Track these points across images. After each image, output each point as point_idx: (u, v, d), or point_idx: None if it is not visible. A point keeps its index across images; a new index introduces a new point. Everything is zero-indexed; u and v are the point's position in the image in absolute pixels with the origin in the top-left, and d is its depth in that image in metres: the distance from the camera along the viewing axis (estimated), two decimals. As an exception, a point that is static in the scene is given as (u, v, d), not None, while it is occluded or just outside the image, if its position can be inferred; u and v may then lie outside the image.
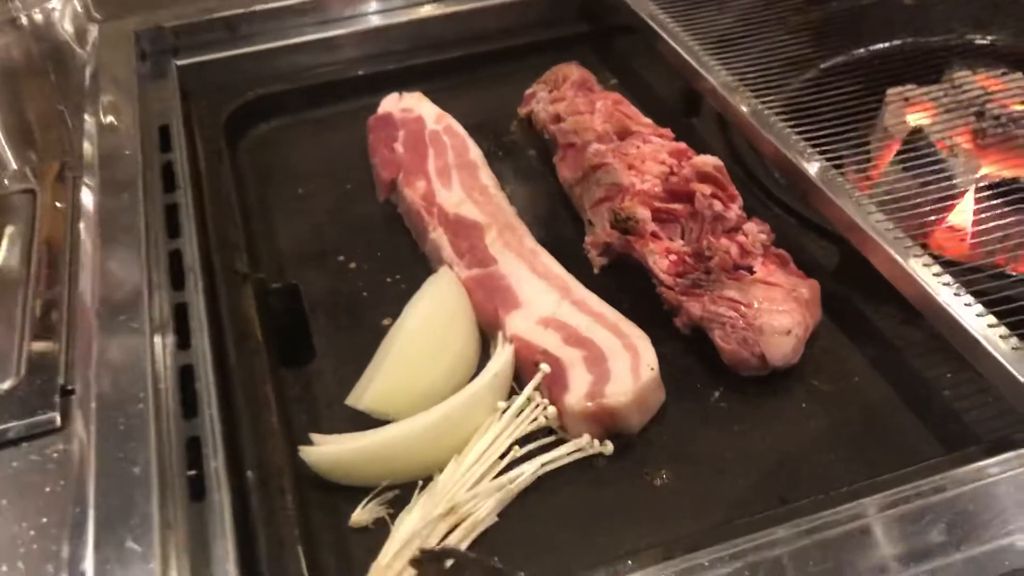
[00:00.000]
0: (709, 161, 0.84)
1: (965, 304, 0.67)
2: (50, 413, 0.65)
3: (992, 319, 0.65)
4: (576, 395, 0.70)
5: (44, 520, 0.59)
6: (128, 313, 0.73)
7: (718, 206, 0.81)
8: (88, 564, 0.55)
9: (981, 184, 0.85)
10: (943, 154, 0.87)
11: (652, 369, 0.71)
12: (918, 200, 0.80)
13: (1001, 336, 0.64)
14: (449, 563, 0.49)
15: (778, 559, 0.52)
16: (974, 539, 0.53)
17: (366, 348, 0.79)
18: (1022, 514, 0.55)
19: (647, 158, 0.87)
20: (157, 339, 0.72)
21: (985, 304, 0.67)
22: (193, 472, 0.64)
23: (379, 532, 0.66)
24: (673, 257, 0.80)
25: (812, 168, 0.81)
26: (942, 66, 1.01)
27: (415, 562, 0.44)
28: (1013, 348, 0.63)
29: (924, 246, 0.77)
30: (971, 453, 0.62)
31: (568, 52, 1.14)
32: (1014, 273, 0.78)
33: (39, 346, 0.71)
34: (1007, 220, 0.81)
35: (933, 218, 0.82)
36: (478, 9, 1.19)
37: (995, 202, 0.83)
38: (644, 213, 0.82)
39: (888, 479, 0.60)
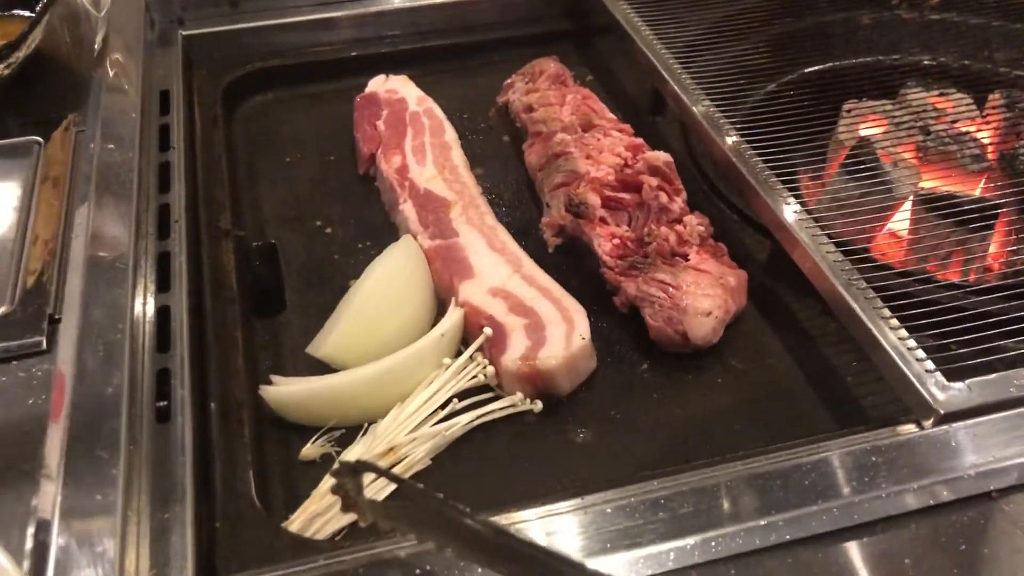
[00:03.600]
0: (660, 157, 0.91)
1: (865, 297, 0.74)
2: (37, 337, 0.73)
3: (887, 312, 0.72)
4: (512, 356, 0.78)
5: (25, 429, 0.67)
6: (115, 255, 0.81)
7: (663, 198, 0.88)
8: (60, 466, 0.63)
9: (920, 196, 0.92)
10: (886, 165, 0.94)
11: (583, 338, 0.79)
12: (858, 206, 0.87)
13: (891, 328, 0.71)
14: (366, 477, 0.56)
15: (657, 499, 0.60)
16: (832, 495, 0.60)
17: (333, 305, 0.86)
18: (886, 476, 0.62)
19: (605, 150, 0.95)
20: (140, 280, 0.80)
21: (890, 299, 0.74)
22: (163, 403, 0.72)
23: (325, 466, 0.74)
24: (616, 241, 0.87)
25: (748, 168, 0.87)
26: (898, 84, 1.07)
27: (334, 473, 0.51)
28: (899, 338, 0.70)
29: (865, 249, 0.85)
30: (856, 429, 0.69)
31: (551, 47, 1.22)
32: (942, 279, 0.85)
33: (33, 279, 0.78)
34: (939, 230, 0.88)
35: (871, 223, 0.89)
36: (469, 2, 1.26)
37: (930, 213, 0.90)
38: (594, 199, 0.89)
39: (776, 447, 0.67)
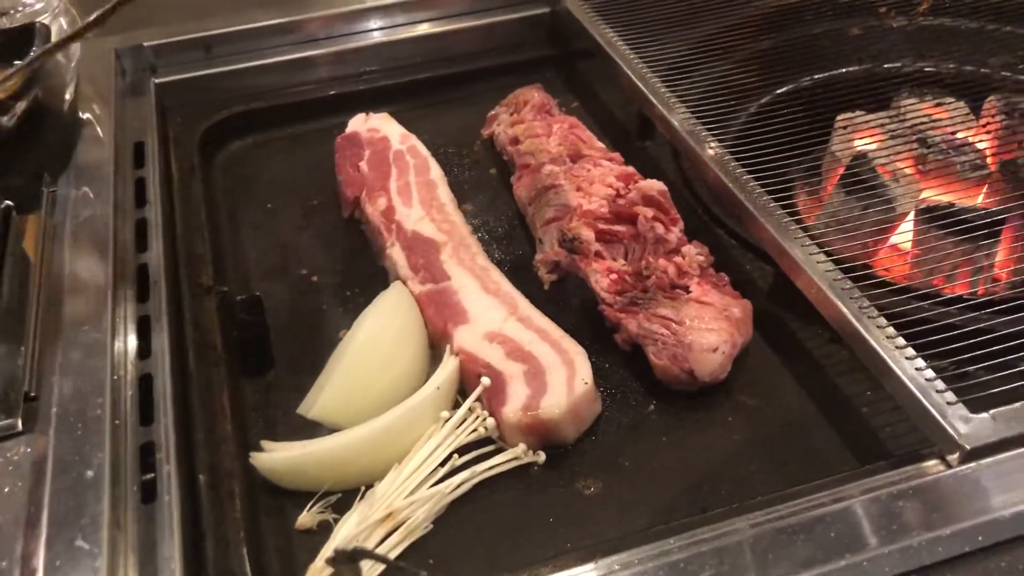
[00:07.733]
0: (654, 185, 0.88)
1: (877, 326, 0.71)
2: (12, 419, 0.69)
3: (901, 341, 0.69)
4: (512, 407, 0.74)
5: (2, 520, 0.63)
6: (93, 323, 0.78)
7: (660, 228, 0.85)
8: (39, 561, 0.59)
9: (921, 209, 0.89)
10: (885, 179, 0.91)
11: (586, 383, 0.75)
12: (859, 224, 0.84)
13: (907, 357, 0.68)
14: (365, 564, 0.53)
15: (676, 563, 0.56)
16: (860, 548, 0.57)
17: (322, 358, 0.83)
18: (915, 522, 0.59)
19: (595, 180, 0.92)
20: (119, 349, 0.76)
21: (904, 326, 0.71)
22: (149, 476, 0.68)
23: (324, 535, 0.70)
24: (614, 276, 0.84)
25: (745, 193, 0.84)
26: (891, 93, 1.05)
27: (330, 561, 0.47)
28: (916, 369, 0.67)
29: (867, 267, 0.82)
30: (879, 467, 0.66)
31: (533, 74, 1.19)
32: (949, 294, 0.82)
33: (5, 353, 0.74)
34: (944, 244, 0.85)
35: (874, 241, 0.86)
36: (448, 32, 1.23)
37: (934, 226, 0.87)
38: (588, 234, 0.86)
39: (796, 491, 0.64)
